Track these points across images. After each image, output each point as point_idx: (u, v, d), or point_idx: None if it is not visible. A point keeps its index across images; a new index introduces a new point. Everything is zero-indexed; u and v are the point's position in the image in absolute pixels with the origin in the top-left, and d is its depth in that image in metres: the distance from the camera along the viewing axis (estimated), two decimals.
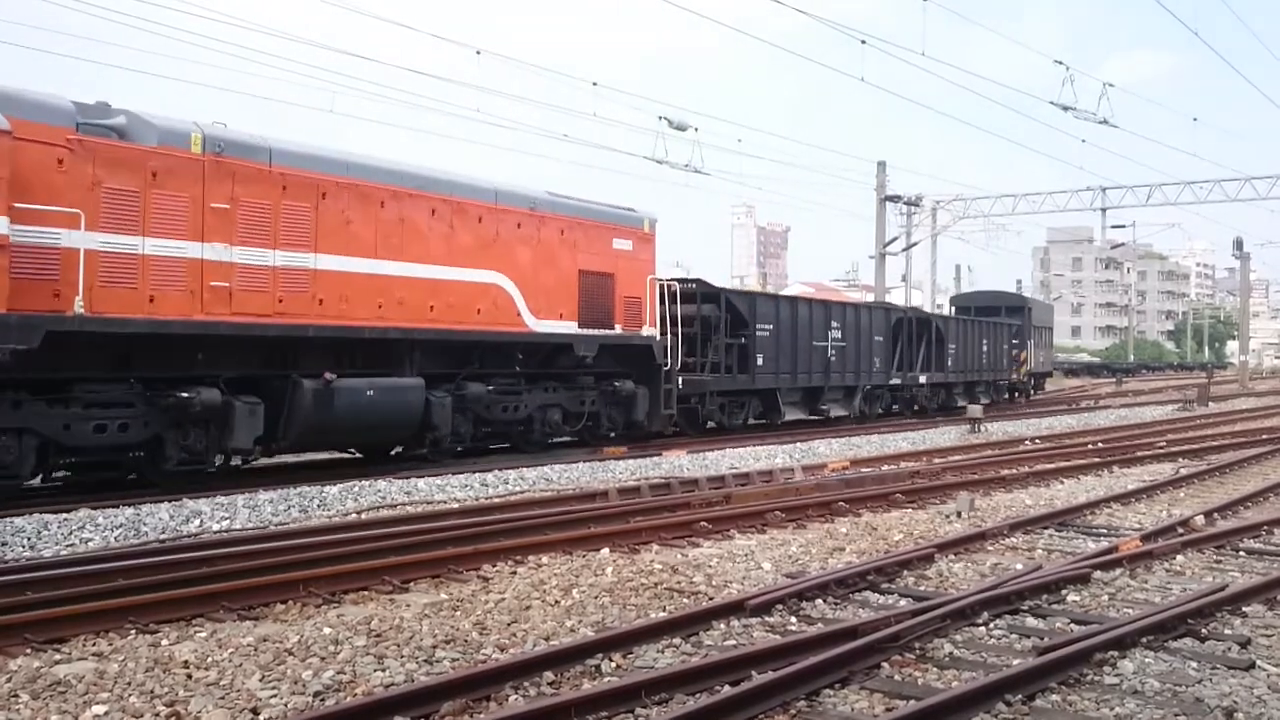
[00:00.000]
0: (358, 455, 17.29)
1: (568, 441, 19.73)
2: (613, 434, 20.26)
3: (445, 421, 16.48)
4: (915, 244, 46.62)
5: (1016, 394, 40.45)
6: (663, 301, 20.68)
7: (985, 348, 35.43)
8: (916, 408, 31.41)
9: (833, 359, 26.52)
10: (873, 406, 28.84)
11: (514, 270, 17.61)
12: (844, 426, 26.71)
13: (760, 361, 23.84)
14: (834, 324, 26.67)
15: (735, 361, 23.19)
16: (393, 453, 17.57)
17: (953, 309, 41.92)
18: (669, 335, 20.50)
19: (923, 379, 30.97)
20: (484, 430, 17.89)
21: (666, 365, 20.32)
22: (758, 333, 23.62)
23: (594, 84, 29.04)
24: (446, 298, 16.42)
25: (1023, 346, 39.16)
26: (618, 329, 19.58)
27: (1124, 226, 64.05)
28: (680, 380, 20.99)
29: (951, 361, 32.56)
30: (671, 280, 21.80)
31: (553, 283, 18.36)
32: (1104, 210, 45.33)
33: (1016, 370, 38.76)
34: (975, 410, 26.73)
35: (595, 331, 19.11)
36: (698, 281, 23.37)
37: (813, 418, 26.96)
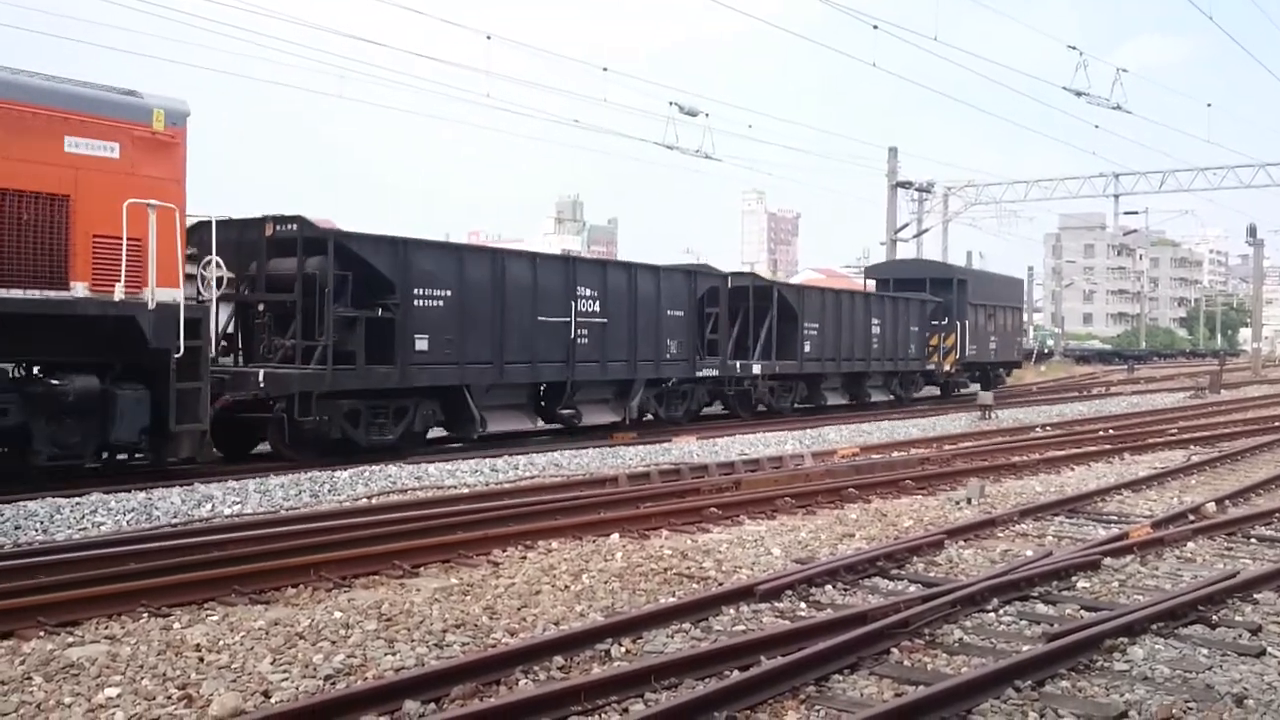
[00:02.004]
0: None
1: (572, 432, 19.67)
2: (53, 464, 12.27)
3: None
4: (926, 230, 46.45)
5: (954, 389, 33.94)
6: (201, 250, 13.76)
7: (879, 330, 28.19)
8: (762, 408, 24.63)
9: (580, 342, 18.78)
10: (670, 407, 21.71)
11: None
12: (849, 413, 26.61)
13: (426, 346, 15.99)
14: (582, 292, 18.94)
15: (368, 346, 15.21)
16: None
17: (867, 282, 34.29)
18: (210, 301, 13.59)
19: (757, 369, 23.52)
20: None
21: (177, 352, 12.48)
22: (421, 302, 16.05)
23: (604, 69, 28.94)
24: None
25: (950, 329, 31.75)
26: (77, 288, 11.96)
27: (1137, 213, 63.73)
28: (259, 376, 14.15)
29: (811, 347, 25.23)
30: (226, 217, 14.58)
31: None
32: (1117, 197, 45.17)
33: (943, 359, 31.74)
34: (986, 397, 26.67)
35: None
36: (298, 221, 15.21)
37: (542, 429, 19.46)
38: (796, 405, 25.69)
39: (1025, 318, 43.58)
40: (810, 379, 26.14)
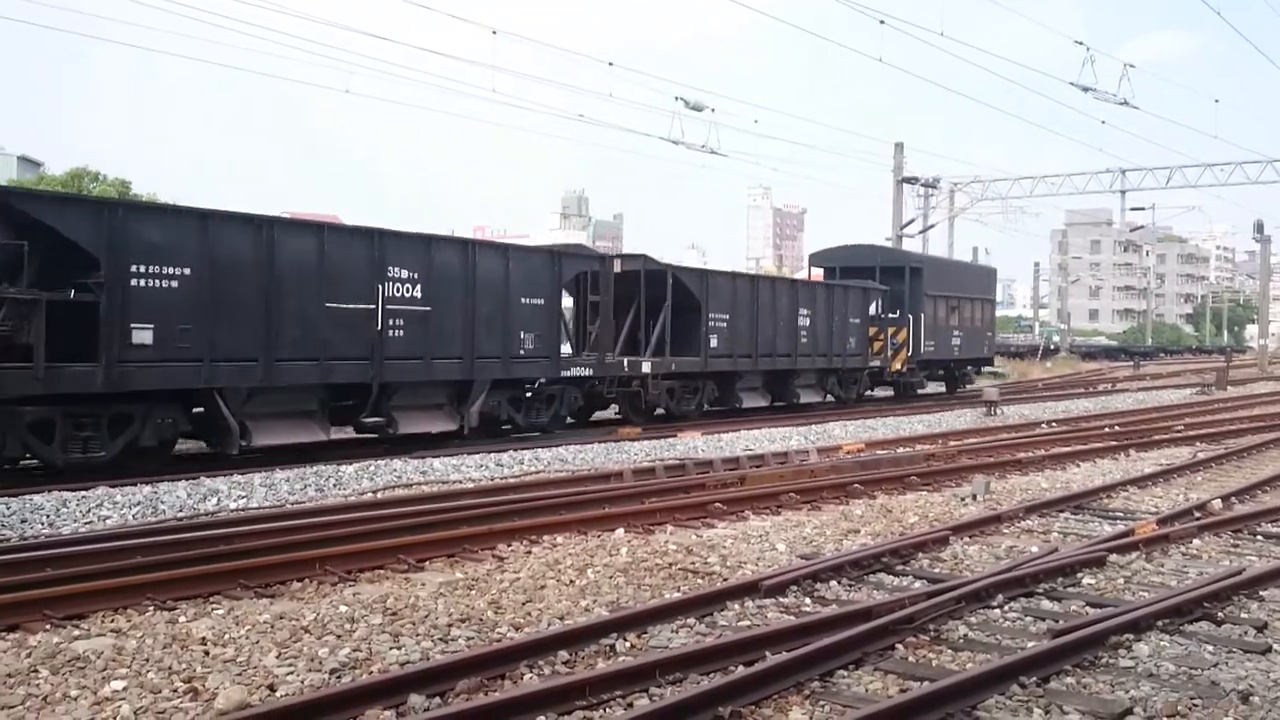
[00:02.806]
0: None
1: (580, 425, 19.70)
2: None
3: None
4: (932, 226, 46.41)
5: (910, 390, 30.97)
6: None
7: (809, 322, 25.04)
8: (660, 411, 21.47)
9: (393, 335, 15.58)
10: (531, 413, 18.28)
11: None
12: (859, 408, 26.60)
13: (150, 339, 12.80)
14: (395, 274, 15.68)
15: (59, 338, 12.07)
16: None
17: (813, 270, 31.07)
18: None
19: (646, 367, 20.35)
20: None
21: None
22: (142, 282, 12.72)
23: (610, 64, 28.92)
24: None
25: (901, 323, 28.88)
26: None
27: (1143, 209, 63.80)
28: None
29: (720, 341, 22.16)
30: None
31: None
32: (1123, 193, 45.14)
33: (892, 355, 28.62)
34: (991, 393, 26.62)
35: None
36: None
37: (345, 439, 16.46)
38: (699, 407, 22.54)
39: (1000, 311, 39.94)
40: (721, 378, 22.89)
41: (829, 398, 26.99)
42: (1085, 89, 33.31)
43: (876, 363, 28.28)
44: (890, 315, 28.86)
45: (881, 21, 27.59)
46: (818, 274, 30.33)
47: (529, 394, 18.35)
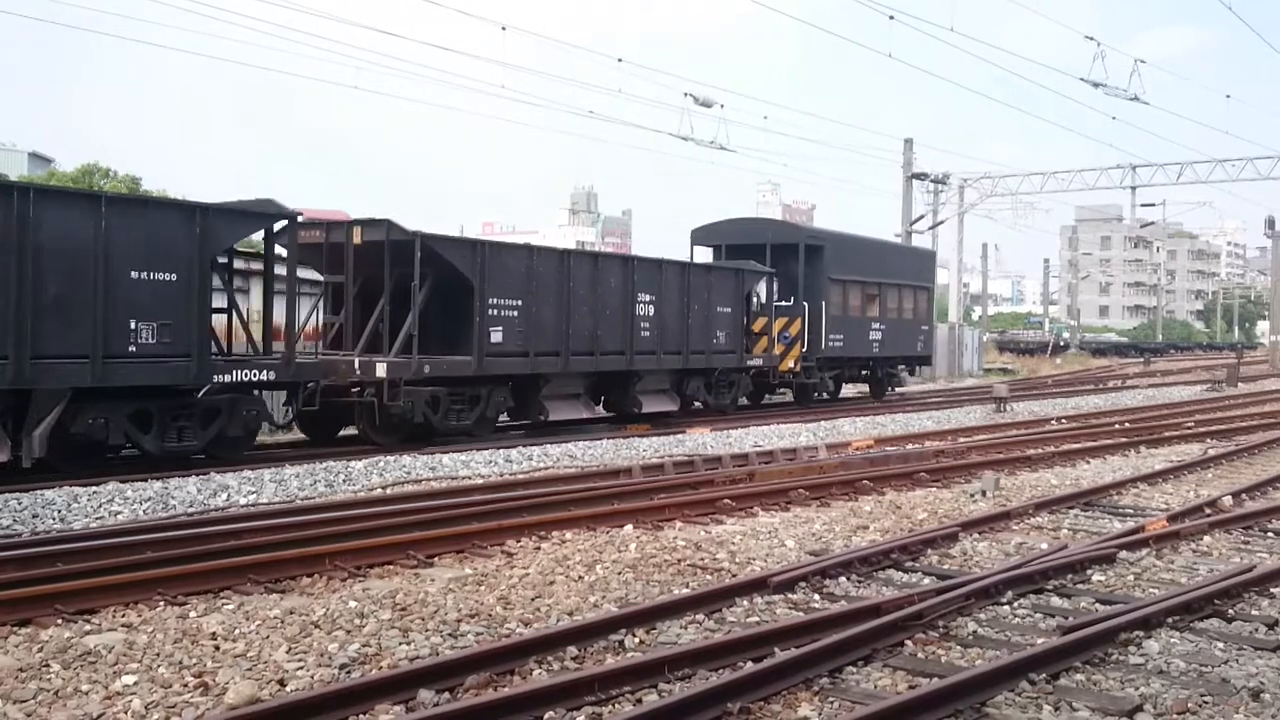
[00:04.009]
0: None
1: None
2: None
3: None
4: (942, 222, 46.28)
5: (813, 393, 25.78)
6: None
7: (652, 311, 20.17)
8: (431, 418, 16.41)
9: None
10: (169, 433, 13.40)
11: None
12: (869, 404, 26.54)
13: None
14: None
15: None
16: None
17: (693, 250, 25.78)
18: None
19: (381, 370, 15.54)
20: None
21: None
22: None
23: (619, 60, 28.92)
24: None
25: (795, 312, 24.27)
26: None
27: (1154, 205, 63.43)
28: None
29: (507, 336, 17.31)
30: None
31: None
32: (1134, 189, 44.92)
33: (781, 351, 24.20)
34: (1001, 389, 26.55)
35: None
36: None
37: None
38: (508, 421, 18.89)
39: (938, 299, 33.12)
40: (515, 383, 17.97)
41: (696, 404, 22.24)
42: (1096, 85, 33.24)
43: (757, 361, 23.23)
44: (783, 303, 24.41)
45: (891, 17, 27.54)
46: (705, 254, 25.60)
47: (175, 413, 13.44)
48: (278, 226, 14.71)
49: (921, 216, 44.19)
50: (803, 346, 24.43)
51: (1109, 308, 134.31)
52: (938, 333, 43.55)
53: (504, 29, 26.40)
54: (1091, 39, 33.13)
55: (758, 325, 23.73)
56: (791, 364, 24.39)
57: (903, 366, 30.06)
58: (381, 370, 15.61)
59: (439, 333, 16.88)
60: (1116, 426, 21.29)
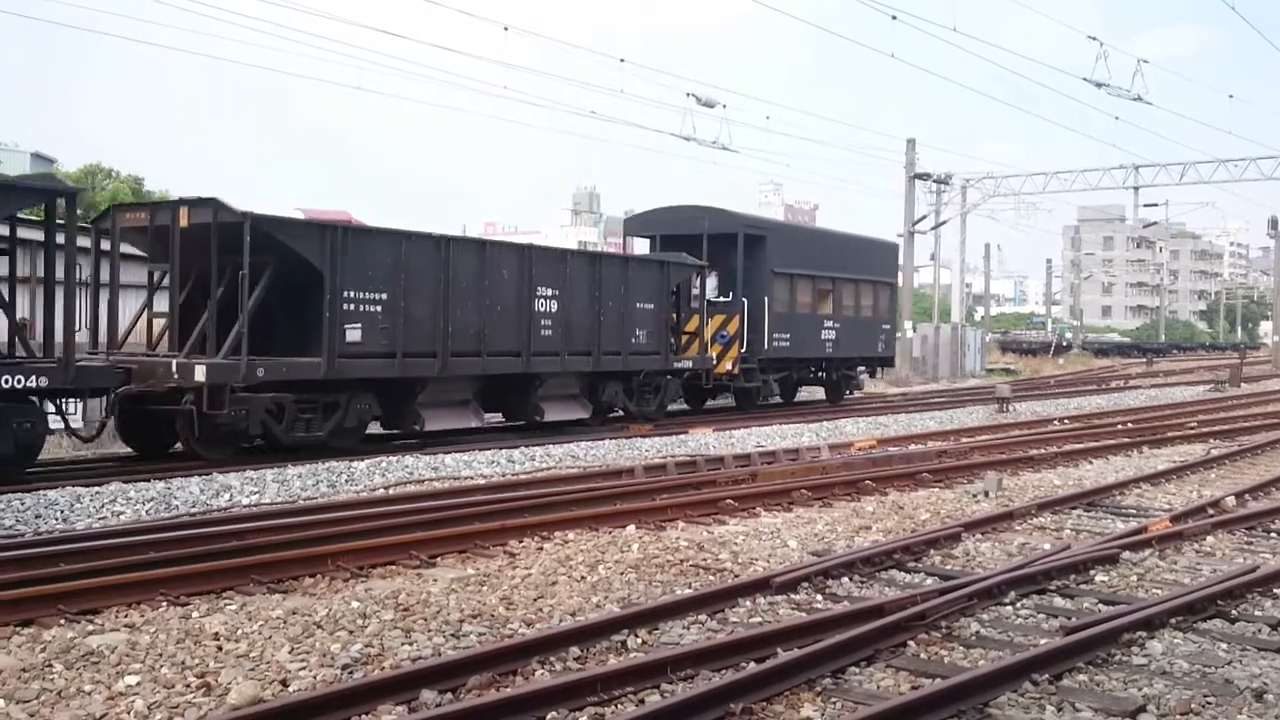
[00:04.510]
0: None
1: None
2: None
3: None
4: (944, 222, 46.27)
5: (757, 398, 23.86)
6: None
7: (555, 307, 17.96)
8: (259, 441, 14.72)
9: None
10: None
11: None
12: (872, 405, 26.53)
13: None
14: None
15: None
16: None
17: (626, 242, 24.79)
18: None
19: (200, 374, 13.32)
20: None
21: None
22: None
23: (621, 60, 28.93)
24: None
25: (733, 309, 22.32)
26: None
27: (1157, 205, 63.64)
28: None
29: (368, 334, 15.03)
30: None
31: None
32: (1136, 189, 44.87)
33: (715, 352, 21.92)
34: (1003, 389, 26.54)
35: None
36: None
37: None
38: (380, 430, 16.83)
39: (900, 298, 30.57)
40: (381, 388, 15.61)
41: (619, 411, 19.95)
42: (1099, 85, 33.22)
43: (687, 363, 20.92)
44: (722, 299, 22.59)
45: (894, 17, 27.52)
46: (642, 246, 24.17)
47: None
48: (60, 205, 12.59)
49: (924, 217, 44.15)
50: (741, 347, 22.27)
51: (1112, 308, 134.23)
52: (941, 333, 43.60)
53: (506, 29, 26.42)
54: (1094, 39, 33.15)
55: (691, 324, 21.42)
56: (729, 366, 22.15)
57: (862, 369, 28.07)
58: (201, 374, 13.23)
59: (285, 331, 14.74)
60: (1119, 427, 21.28)
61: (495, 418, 18.50)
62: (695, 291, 21.48)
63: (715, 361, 21.88)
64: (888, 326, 28.50)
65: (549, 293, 18.02)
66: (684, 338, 21.31)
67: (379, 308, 15.17)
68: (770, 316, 22.89)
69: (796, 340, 24.11)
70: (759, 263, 22.95)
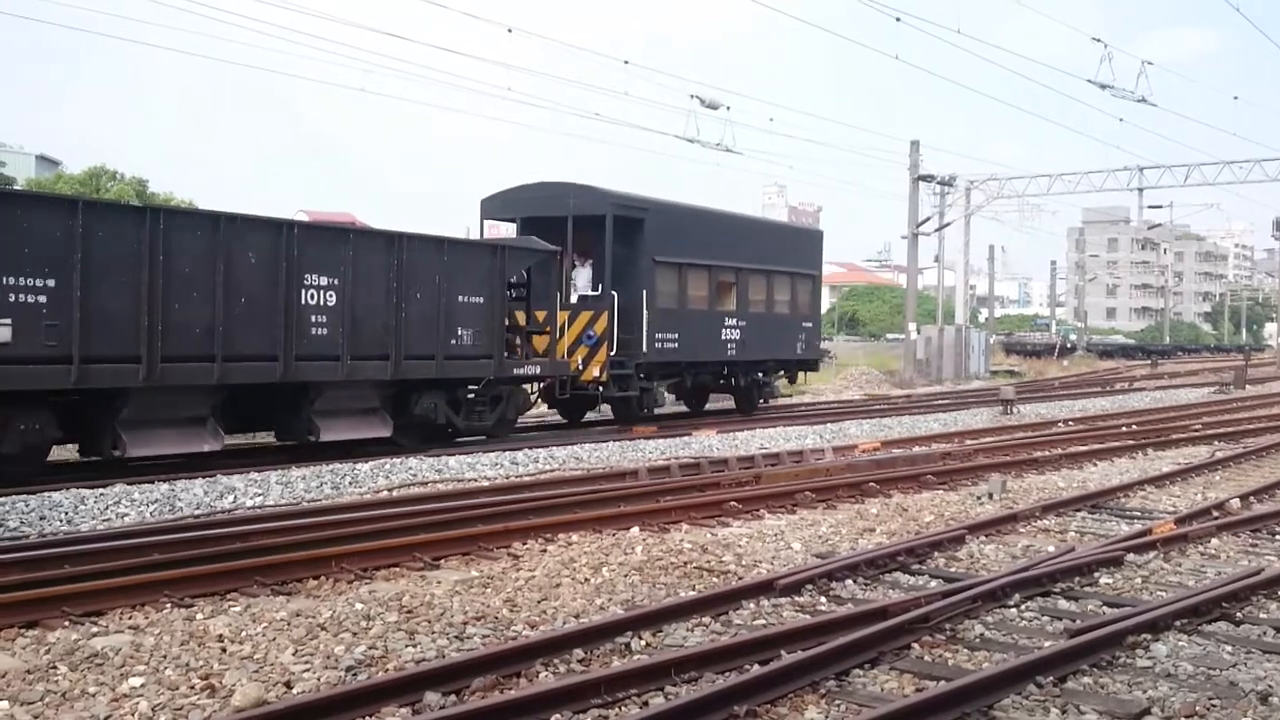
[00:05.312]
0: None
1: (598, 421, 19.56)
2: None
3: None
4: (948, 224, 46.23)
5: (642, 409, 20.20)
6: None
7: (333, 301, 14.43)
8: None
9: None
10: None
11: None
12: (876, 407, 26.51)
13: None
14: None
15: None
16: None
17: (484, 226, 20.92)
18: None
19: None
20: None
21: None
22: None
23: (625, 62, 28.92)
24: None
25: (602, 304, 18.89)
26: None
27: (1161, 207, 63.59)
28: None
29: (22, 333, 11.65)
30: None
31: None
32: (1141, 190, 44.81)
33: (581, 356, 18.68)
34: (1007, 391, 26.51)
35: None
36: None
37: None
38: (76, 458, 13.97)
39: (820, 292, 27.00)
40: (59, 401, 12.37)
41: (446, 426, 16.42)
42: (1103, 86, 33.16)
43: (533, 368, 17.51)
44: (593, 293, 19.52)
45: (898, 19, 27.48)
46: (507, 229, 20.67)
47: None
48: None
49: (928, 218, 44.12)
50: (610, 349, 18.81)
51: (1116, 310, 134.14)
52: (945, 335, 43.57)
53: (510, 31, 26.41)
54: (1099, 40, 33.06)
55: (540, 320, 17.98)
56: (596, 370, 18.71)
57: (781, 373, 24.85)
58: None
59: None
60: (1124, 429, 21.26)
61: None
62: (550, 283, 18.17)
63: (583, 367, 18.74)
64: (809, 325, 25.01)
65: (323, 282, 14.35)
66: (535, 339, 17.97)
67: (41, 298, 11.84)
68: (652, 313, 19.59)
69: (688, 341, 20.75)
70: (636, 250, 19.50)
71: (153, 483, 12.01)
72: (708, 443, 17.59)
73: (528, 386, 18.62)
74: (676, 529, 10.42)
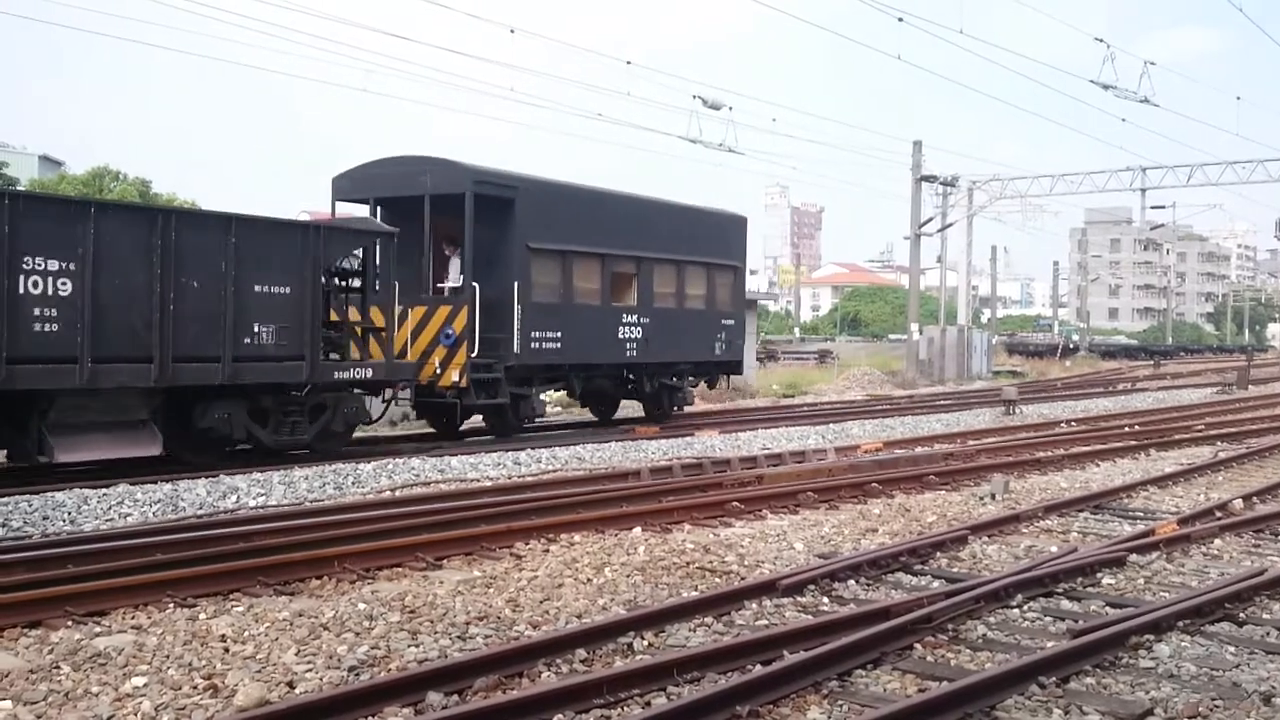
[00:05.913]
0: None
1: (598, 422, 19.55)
2: None
3: None
4: (951, 225, 46.23)
5: (523, 421, 18.15)
6: None
7: (67, 288, 11.71)
8: None
9: None
10: None
11: None
12: (879, 408, 26.53)
13: None
14: None
15: None
16: None
17: (334, 205, 18.04)
18: None
19: None
20: None
21: None
22: None
23: (628, 63, 28.91)
24: None
25: (460, 299, 16.62)
26: None
27: (1164, 207, 63.48)
28: None
29: None
30: None
31: None
32: (1143, 191, 44.81)
33: (436, 358, 16.47)
34: (1010, 392, 26.48)
35: None
36: None
37: None
38: None
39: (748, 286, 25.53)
40: None
41: (243, 442, 13.98)
42: (1105, 86, 33.15)
43: (364, 371, 14.99)
44: (452, 285, 17.26)
45: (900, 19, 27.46)
46: (360, 210, 17.81)
47: None
48: None
49: (930, 219, 44.12)
50: (471, 350, 16.47)
51: (1118, 310, 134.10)
52: (947, 335, 43.54)
53: (512, 31, 26.40)
54: (1101, 41, 33.01)
55: (377, 318, 15.45)
56: (456, 376, 16.43)
57: (692, 378, 21.83)
58: None
59: None
60: (1126, 429, 21.24)
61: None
62: (452, 274, 16.67)
63: (441, 370, 16.42)
64: (730, 323, 21.94)
65: (53, 267, 11.74)
66: (370, 337, 15.37)
67: None
68: (525, 308, 17.10)
69: (575, 341, 18.14)
70: (505, 235, 17.06)
71: (155, 483, 12.01)
72: (710, 443, 17.60)
73: (387, 393, 16.13)
74: (679, 529, 10.42)
